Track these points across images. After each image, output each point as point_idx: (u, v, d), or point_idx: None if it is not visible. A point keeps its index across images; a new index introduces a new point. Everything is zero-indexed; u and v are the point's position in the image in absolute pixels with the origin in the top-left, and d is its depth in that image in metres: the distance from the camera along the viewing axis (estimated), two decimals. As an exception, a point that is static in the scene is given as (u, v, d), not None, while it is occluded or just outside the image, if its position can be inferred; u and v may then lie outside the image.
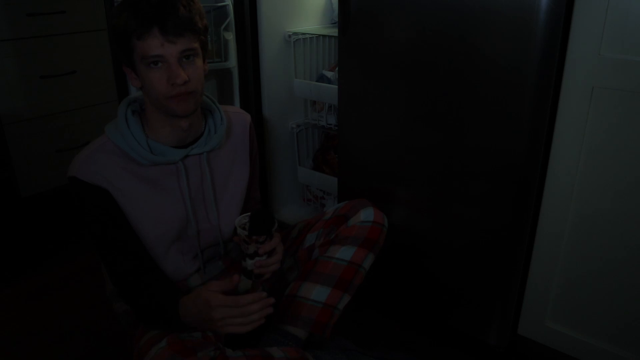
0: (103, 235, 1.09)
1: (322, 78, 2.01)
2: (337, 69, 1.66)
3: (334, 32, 1.92)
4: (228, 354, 1.07)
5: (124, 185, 1.08)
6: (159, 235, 1.13)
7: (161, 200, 1.12)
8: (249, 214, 1.12)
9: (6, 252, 1.91)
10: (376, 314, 1.65)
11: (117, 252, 1.10)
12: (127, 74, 1.08)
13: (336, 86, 1.62)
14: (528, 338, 1.39)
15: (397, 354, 1.42)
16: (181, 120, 1.09)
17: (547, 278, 1.31)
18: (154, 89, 1.03)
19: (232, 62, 1.97)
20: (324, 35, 2.03)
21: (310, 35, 2.01)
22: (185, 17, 1.00)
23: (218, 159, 1.20)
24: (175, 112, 1.06)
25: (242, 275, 1.16)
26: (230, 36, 1.94)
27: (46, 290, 1.82)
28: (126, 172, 1.08)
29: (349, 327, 1.35)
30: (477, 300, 1.42)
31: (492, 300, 1.39)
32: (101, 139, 1.10)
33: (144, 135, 1.09)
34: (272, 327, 1.24)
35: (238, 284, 1.17)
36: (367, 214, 1.27)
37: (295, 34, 1.96)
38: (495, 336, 1.42)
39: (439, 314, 1.53)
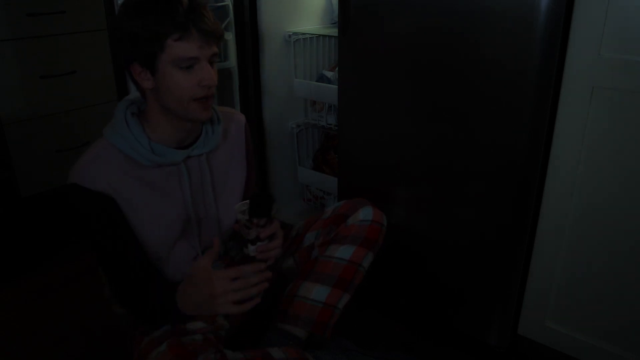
0: (104, 242, 1.08)
1: (322, 78, 2.01)
2: (337, 69, 1.66)
3: (334, 32, 1.92)
4: (228, 356, 1.07)
5: (126, 189, 1.07)
6: (161, 238, 1.13)
7: (163, 203, 1.12)
8: (248, 200, 1.12)
9: (6, 252, 1.91)
10: (376, 314, 1.65)
11: (119, 261, 1.09)
12: (135, 74, 1.04)
13: (336, 86, 1.62)
14: (528, 338, 1.39)
15: (397, 354, 1.42)
16: (188, 122, 1.09)
17: (547, 278, 1.31)
18: (181, 90, 1.01)
19: (232, 62, 1.98)
20: (324, 35, 2.03)
21: (310, 35, 2.01)
22: (214, 23, 1.02)
23: (216, 159, 1.20)
24: (196, 117, 1.05)
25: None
26: (230, 36, 1.95)
27: (46, 290, 1.82)
28: (128, 176, 1.07)
29: (349, 327, 1.35)
30: (477, 301, 1.42)
31: (492, 301, 1.39)
32: (100, 143, 1.08)
33: (146, 136, 1.08)
34: (272, 327, 1.24)
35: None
36: (366, 213, 1.27)
37: (295, 34, 1.96)
38: (496, 336, 1.42)
39: (440, 314, 1.53)
